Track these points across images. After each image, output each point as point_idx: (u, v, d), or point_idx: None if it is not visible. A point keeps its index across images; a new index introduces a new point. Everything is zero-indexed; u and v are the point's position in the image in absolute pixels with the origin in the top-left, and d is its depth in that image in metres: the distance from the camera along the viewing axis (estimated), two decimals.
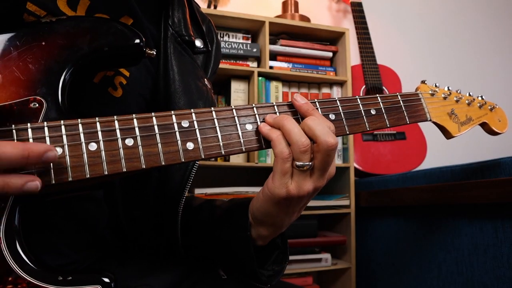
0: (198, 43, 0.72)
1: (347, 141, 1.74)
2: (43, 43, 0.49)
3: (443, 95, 0.73)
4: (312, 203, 1.64)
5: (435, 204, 1.22)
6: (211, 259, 0.69)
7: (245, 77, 1.73)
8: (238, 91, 1.72)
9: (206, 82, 0.72)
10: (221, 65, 1.62)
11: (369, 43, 1.99)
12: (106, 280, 0.46)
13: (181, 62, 0.68)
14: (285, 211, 0.55)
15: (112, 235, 0.70)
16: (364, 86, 1.93)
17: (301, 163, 0.51)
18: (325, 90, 1.82)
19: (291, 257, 1.58)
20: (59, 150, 0.43)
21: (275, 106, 0.55)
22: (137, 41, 0.53)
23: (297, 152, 0.50)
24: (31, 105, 0.46)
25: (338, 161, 1.75)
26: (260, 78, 1.70)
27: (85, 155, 0.44)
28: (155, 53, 0.55)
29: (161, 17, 0.69)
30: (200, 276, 0.68)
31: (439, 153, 2.10)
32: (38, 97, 0.46)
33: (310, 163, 0.51)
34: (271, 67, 1.71)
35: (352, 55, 1.93)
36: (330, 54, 1.83)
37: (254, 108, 0.54)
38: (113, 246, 0.69)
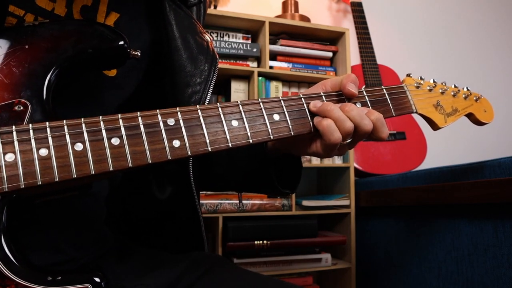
0: None
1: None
2: (27, 46, 0.49)
3: (428, 87, 0.73)
4: (312, 203, 1.64)
5: (435, 204, 1.21)
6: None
7: (245, 77, 1.73)
8: (238, 91, 1.72)
9: (207, 37, 0.73)
10: (221, 65, 1.62)
11: (369, 43, 1.99)
12: (97, 279, 0.46)
13: (178, 18, 0.69)
14: None
15: (111, 230, 0.70)
16: (364, 86, 1.92)
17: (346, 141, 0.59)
18: None
19: (291, 257, 1.59)
20: (45, 151, 0.43)
21: (261, 103, 0.55)
22: (121, 43, 0.53)
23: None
24: (16, 108, 0.46)
25: (338, 161, 1.75)
26: (260, 78, 1.70)
27: (71, 156, 0.44)
28: (139, 54, 0.56)
29: None
30: (197, 276, 0.68)
31: (439, 153, 2.09)
32: (23, 100, 0.47)
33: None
34: (271, 67, 1.71)
35: (352, 55, 1.92)
36: (330, 54, 1.83)
37: (240, 106, 0.54)
38: (112, 243, 0.69)
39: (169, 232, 0.74)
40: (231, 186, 0.82)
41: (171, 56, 0.67)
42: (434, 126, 0.74)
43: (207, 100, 0.68)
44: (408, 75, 0.73)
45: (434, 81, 0.75)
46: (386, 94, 0.65)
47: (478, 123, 0.86)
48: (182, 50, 0.67)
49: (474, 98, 0.83)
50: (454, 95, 0.78)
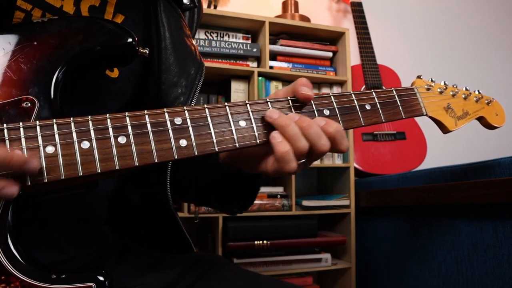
0: (185, 0, 0.74)
1: (347, 141, 1.74)
2: (35, 43, 0.49)
3: (439, 90, 0.72)
4: (312, 203, 1.64)
5: (435, 204, 1.22)
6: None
7: (245, 77, 1.73)
8: (238, 91, 1.72)
9: (194, 42, 0.74)
10: (221, 65, 1.62)
11: (369, 43, 1.99)
12: (101, 278, 0.46)
13: (171, 19, 0.69)
14: None
15: (112, 230, 0.71)
16: (364, 86, 1.93)
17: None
18: (325, 90, 1.82)
19: (291, 257, 1.59)
20: (51, 148, 0.43)
21: (269, 103, 0.55)
22: (129, 40, 0.53)
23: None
24: (23, 104, 0.46)
25: (338, 161, 1.75)
26: (260, 78, 1.70)
27: (77, 154, 0.44)
28: (147, 52, 0.55)
29: None
30: (197, 276, 0.68)
31: (439, 153, 2.09)
32: (30, 97, 0.47)
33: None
34: (271, 67, 1.71)
35: (352, 55, 1.92)
36: (330, 54, 1.83)
37: (248, 105, 0.54)
38: (112, 242, 0.69)
39: (167, 233, 0.74)
40: (189, 199, 0.82)
41: (160, 56, 0.67)
42: (444, 129, 0.73)
43: (192, 105, 0.67)
44: (419, 77, 0.72)
45: (445, 84, 0.73)
46: (396, 96, 0.64)
47: (489, 126, 0.85)
48: (171, 50, 0.67)
49: (486, 101, 0.82)
50: (465, 98, 0.76)
